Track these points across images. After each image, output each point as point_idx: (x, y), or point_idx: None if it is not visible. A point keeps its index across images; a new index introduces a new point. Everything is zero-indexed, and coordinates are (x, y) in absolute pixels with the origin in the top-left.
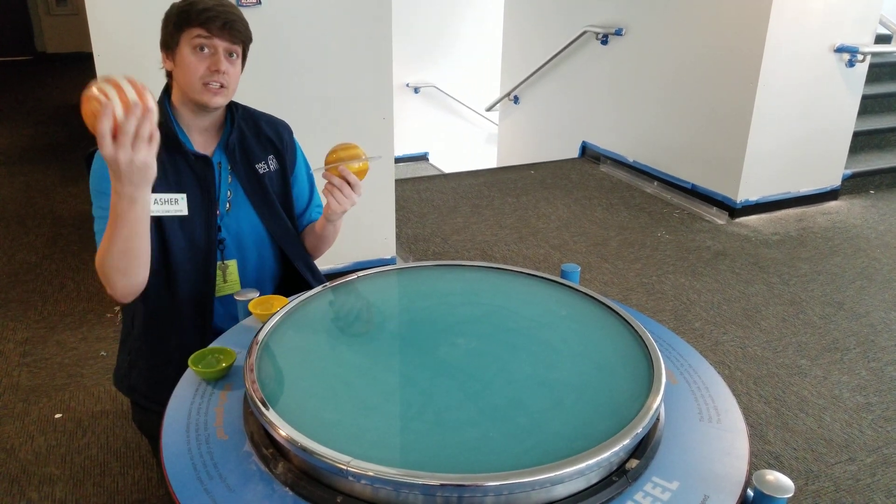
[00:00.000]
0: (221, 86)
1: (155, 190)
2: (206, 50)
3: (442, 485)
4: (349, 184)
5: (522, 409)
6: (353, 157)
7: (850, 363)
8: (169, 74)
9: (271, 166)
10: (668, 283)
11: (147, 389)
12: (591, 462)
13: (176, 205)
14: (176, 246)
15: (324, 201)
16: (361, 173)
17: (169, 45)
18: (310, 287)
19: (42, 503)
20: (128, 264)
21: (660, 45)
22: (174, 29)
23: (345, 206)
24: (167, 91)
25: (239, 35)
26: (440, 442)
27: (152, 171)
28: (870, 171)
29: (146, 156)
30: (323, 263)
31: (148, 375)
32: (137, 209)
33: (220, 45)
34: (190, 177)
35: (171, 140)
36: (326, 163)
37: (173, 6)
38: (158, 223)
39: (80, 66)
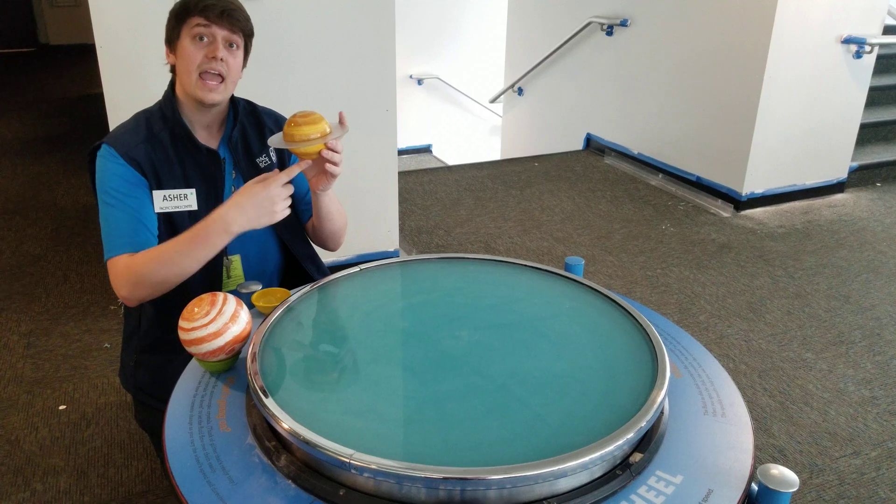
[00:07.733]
0: (220, 75)
1: (163, 185)
2: (204, 39)
3: (444, 478)
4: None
5: (525, 402)
6: (319, 128)
7: (855, 357)
8: (173, 70)
9: (273, 158)
10: (672, 277)
11: (154, 387)
12: (594, 456)
13: (185, 200)
14: None
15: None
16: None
17: (171, 38)
18: (313, 280)
19: (46, 494)
20: (170, 282)
21: (665, 37)
22: (175, 22)
23: (338, 172)
24: (172, 87)
25: (238, 24)
26: (443, 435)
27: (269, 219)
28: (877, 164)
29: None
30: (326, 255)
31: (155, 373)
32: (228, 241)
33: (220, 33)
34: (197, 172)
35: (181, 134)
36: (303, 145)
37: (176, 3)
38: (169, 219)
39: (83, 57)
